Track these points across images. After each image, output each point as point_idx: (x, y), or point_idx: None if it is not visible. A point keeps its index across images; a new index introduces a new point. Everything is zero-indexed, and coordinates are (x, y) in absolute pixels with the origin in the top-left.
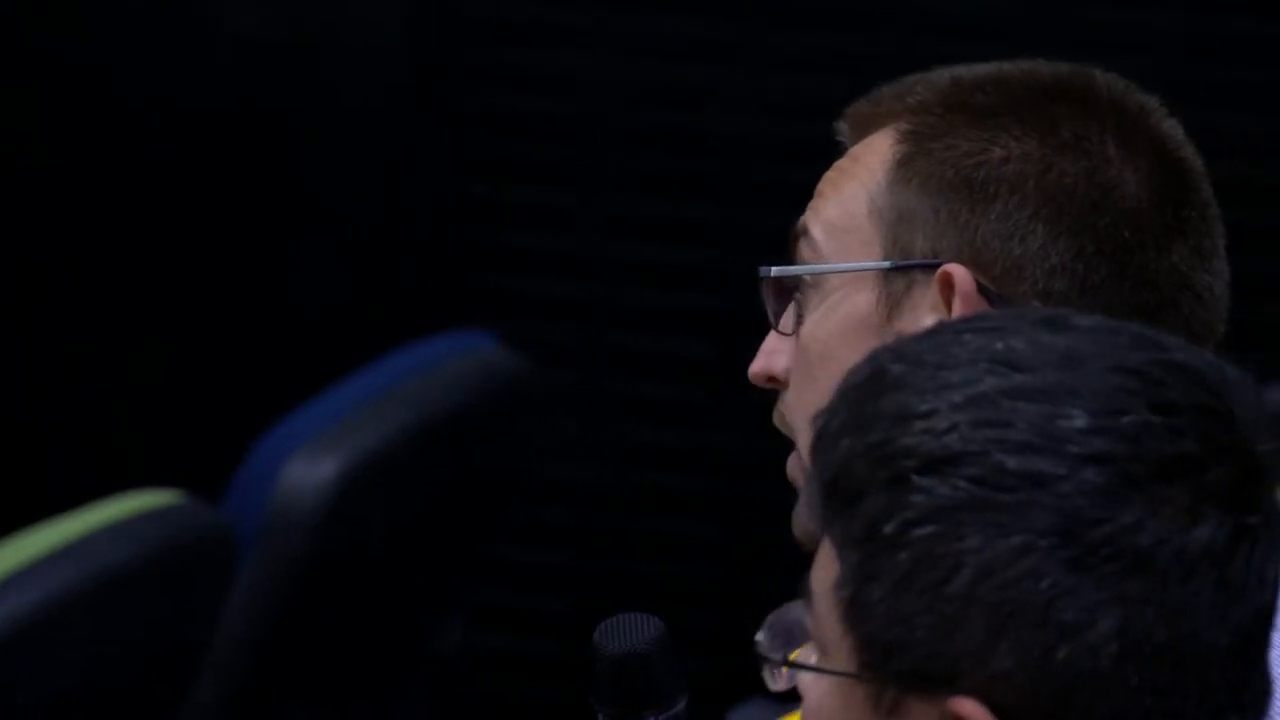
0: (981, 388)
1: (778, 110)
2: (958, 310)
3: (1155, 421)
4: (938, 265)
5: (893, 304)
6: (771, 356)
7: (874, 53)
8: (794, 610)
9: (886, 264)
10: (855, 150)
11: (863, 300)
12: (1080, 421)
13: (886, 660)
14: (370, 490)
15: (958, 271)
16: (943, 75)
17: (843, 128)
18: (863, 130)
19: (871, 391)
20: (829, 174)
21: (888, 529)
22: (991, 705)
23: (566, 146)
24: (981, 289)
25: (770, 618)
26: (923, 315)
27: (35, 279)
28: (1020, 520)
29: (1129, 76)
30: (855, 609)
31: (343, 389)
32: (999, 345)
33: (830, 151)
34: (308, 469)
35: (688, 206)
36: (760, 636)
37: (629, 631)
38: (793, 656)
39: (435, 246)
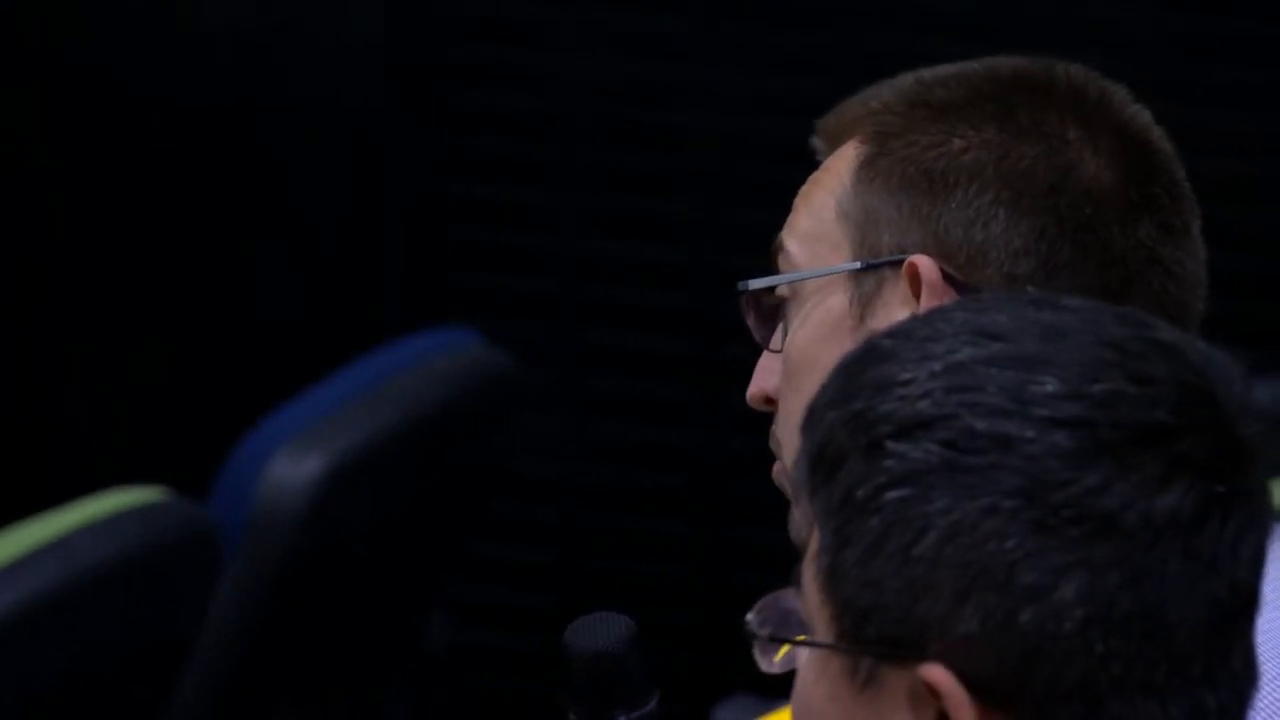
0: (959, 356)
1: (758, 108)
2: (925, 301)
3: (1130, 391)
4: (904, 260)
5: (865, 303)
6: (766, 377)
7: (856, 51)
8: (788, 598)
9: (855, 265)
10: (827, 161)
11: (836, 303)
12: (1051, 387)
13: (860, 628)
14: (355, 487)
15: (922, 262)
16: (906, 78)
17: (817, 143)
18: (834, 142)
19: (860, 366)
20: (802, 187)
21: (861, 494)
22: (959, 672)
23: (547, 144)
24: (947, 278)
25: (762, 601)
26: (895, 311)
27: (8, 277)
28: (987, 482)
29: (1123, 76)
30: (832, 576)
31: (327, 386)
32: (984, 319)
33: (809, 148)
34: (293, 466)
35: (668, 205)
36: (750, 616)
37: (599, 631)
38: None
39: (416, 244)
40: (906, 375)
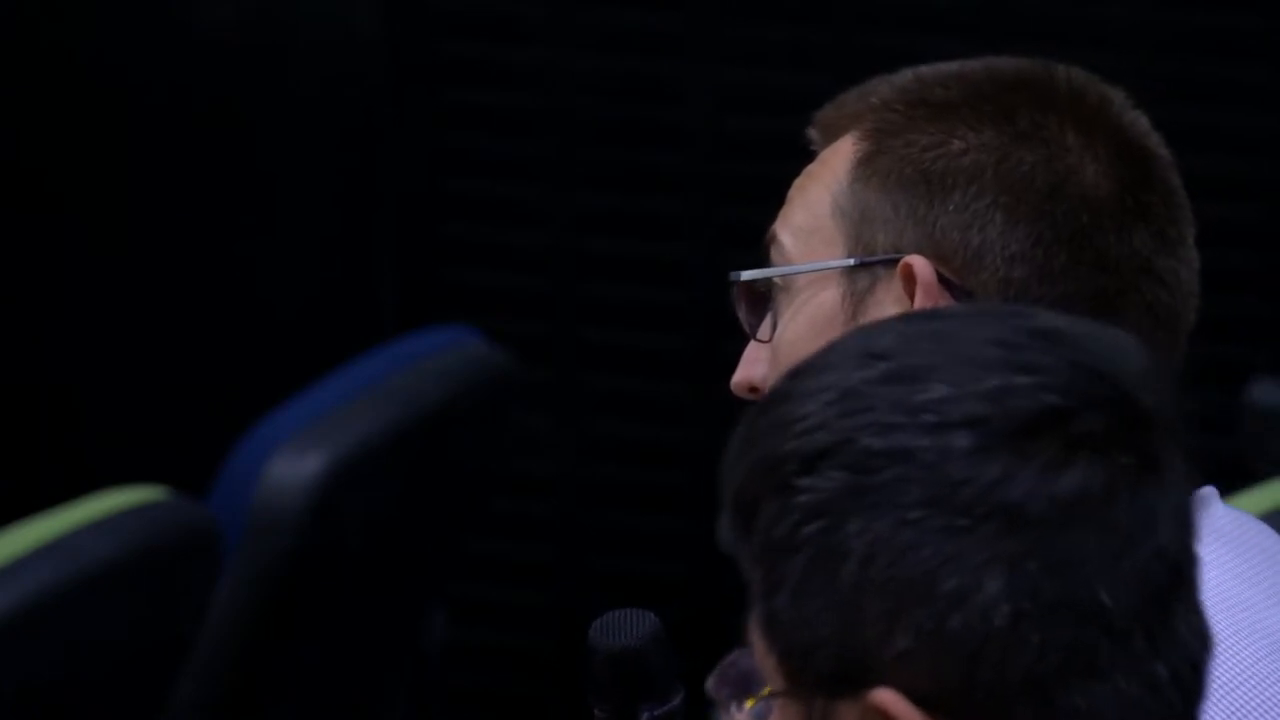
0: (849, 382)
1: (755, 105)
2: (920, 301)
3: (1018, 381)
4: (899, 259)
5: (857, 301)
6: (752, 366)
7: (848, 47)
8: (745, 658)
9: (850, 261)
10: (823, 154)
11: (828, 299)
12: (938, 392)
13: (805, 669)
14: (355, 486)
15: (918, 262)
16: (905, 74)
17: (813, 134)
18: (831, 135)
19: (761, 412)
20: (797, 180)
21: (779, 535)
22: (905, 690)
23: (540, 141)
24: (943, 279)
25: (721, 664)
26: (888, 310)
27: (7, 276)
28: (893, 497)
29: (1123, 75)
30: (770, 623)
31: (327, 385)
32: (871, 342)
33: (803, 145)
34: (293, 465)
35: (664, 202)
36: (710, 682)
37: (624, 627)
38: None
39: (413, 242)
40: (803, 410)
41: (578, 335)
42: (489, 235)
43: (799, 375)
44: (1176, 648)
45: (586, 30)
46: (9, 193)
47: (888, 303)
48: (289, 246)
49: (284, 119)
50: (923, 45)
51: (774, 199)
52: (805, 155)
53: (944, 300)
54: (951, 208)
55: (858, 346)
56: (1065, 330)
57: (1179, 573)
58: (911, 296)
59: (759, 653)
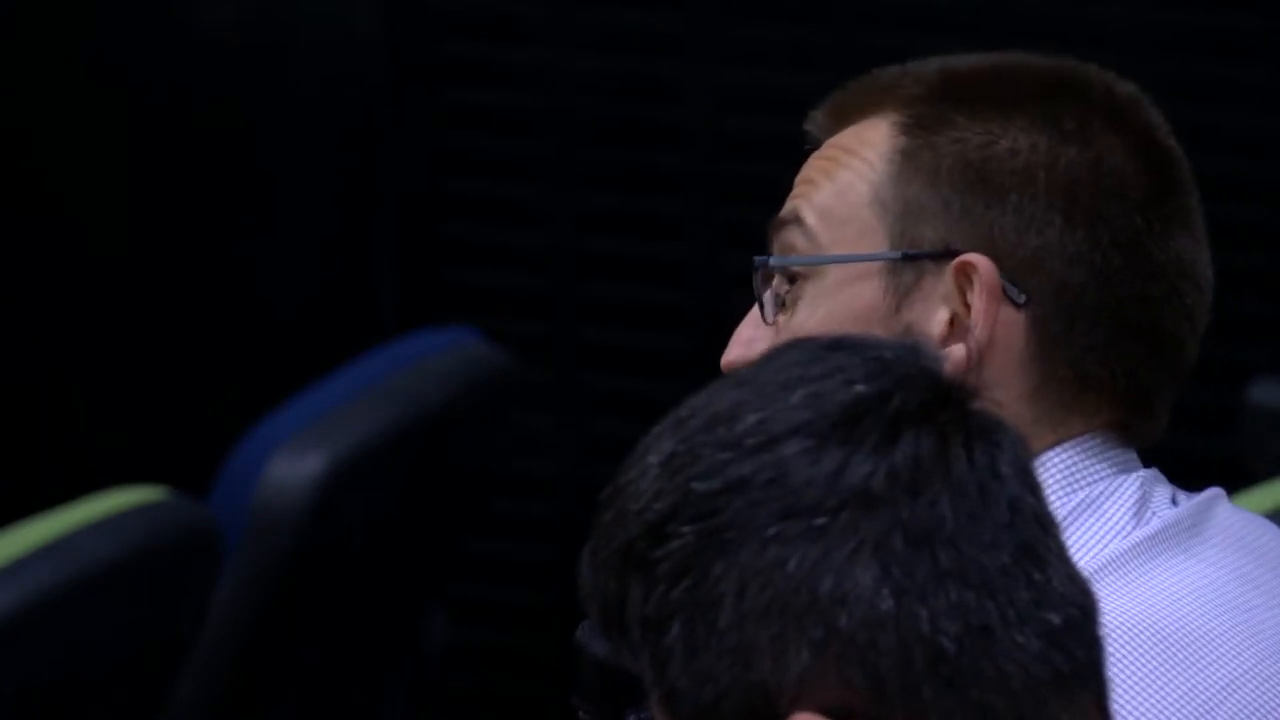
0: (669, 447)
1: (755, 105)
2: (979, 300)
3: (823, 387)
4: (953, 255)
5: (901, 294)
6: (750, 346)
7: (848, 47)
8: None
9: (897, 254)
10: (843, 140)
11: (868, 292)
12: (754, 418)
13: None
14: (355, 486)
15: (981, 261)
16: (928, 67)
17: (817, 117)
18: (842, 121)
19: (600, 515)
20: (818, 162)
21: (651, 610)
22: (820, 709)
23: (540, 141)
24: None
25: None
26: (934, 306)
27: (7, 276)
28: (744, 526)
29: (1122, 74)
30: (670, 699)
31: (327, 385)
32: (680, 412)
33: (803, 144)
34: (293, 465)
35: (664, 202)
36: None
37: None
38: None
39: (413, 242)
40: (635, 493)
41: (578, 335)
42: (489, 235)
43: (621, 473)
44: (1059, 598)
45: (586, 30)
46: (9, 193)
47: (934, 299)
48: (289, 246)
49: (284, 119)
50: (922, 45)
51: (774, 199)
52: (806, 155)
53: (1002, 302)
54: (1009, 210)
55: (668, 419)
56: (855, 339)
57: (1042, 524)
58: (962, 293)
59: None
